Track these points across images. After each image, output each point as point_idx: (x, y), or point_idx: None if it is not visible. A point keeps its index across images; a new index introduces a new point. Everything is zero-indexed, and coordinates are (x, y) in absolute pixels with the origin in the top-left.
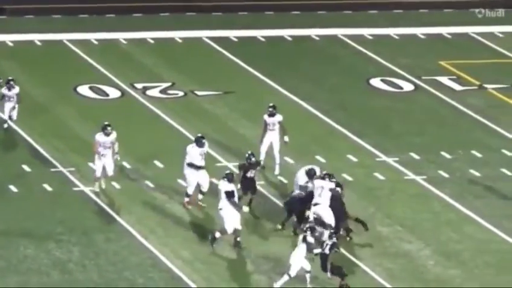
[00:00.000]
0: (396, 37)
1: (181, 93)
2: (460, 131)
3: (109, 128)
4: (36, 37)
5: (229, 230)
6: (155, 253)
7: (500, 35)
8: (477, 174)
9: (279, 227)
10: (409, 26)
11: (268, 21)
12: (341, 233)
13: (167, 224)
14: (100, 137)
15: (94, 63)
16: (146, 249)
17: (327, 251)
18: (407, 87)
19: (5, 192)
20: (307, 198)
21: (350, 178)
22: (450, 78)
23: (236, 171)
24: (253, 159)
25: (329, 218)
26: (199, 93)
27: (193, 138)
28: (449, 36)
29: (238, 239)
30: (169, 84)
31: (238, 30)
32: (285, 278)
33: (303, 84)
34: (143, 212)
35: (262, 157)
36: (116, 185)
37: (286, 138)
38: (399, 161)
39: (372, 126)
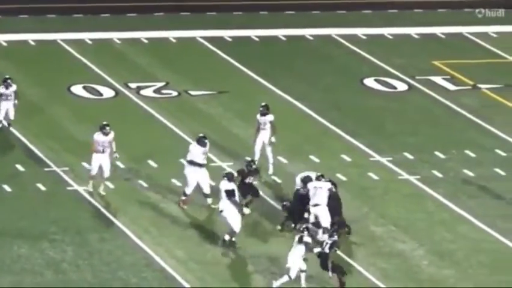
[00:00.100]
0: (390, 37)
1: (175, 93)
2: (453, 131)
3: (107, 128)
4: (30, 37)
5: (237, 229)
6: (149, 253)
7: (494, 35)
8: (471, 174)
9: (279, 227)
10: (403, 25)
11: (263, 21)
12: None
13: (161, 223)
14: (98, 136)
15: (88, 63)
16: (140, 249)
17: (326, 249)
18: (401, 87)
19: None
20: (306, 199)
21: (343, 178)
22: (444, 78)
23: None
24: (253, 166)
25: (326, 220)
26: (193, 93)
27: (187, 138)
28: (443, 36)
29: (227, 237)
30: (163, 83)
31: (232, 30)
32: (285, 278)
33: (297, 84)
34: (138, 212)
35: (256, 157)
36: (111, 185)
37: (273, 139)
38: (393, 161)
39: (366, 126)
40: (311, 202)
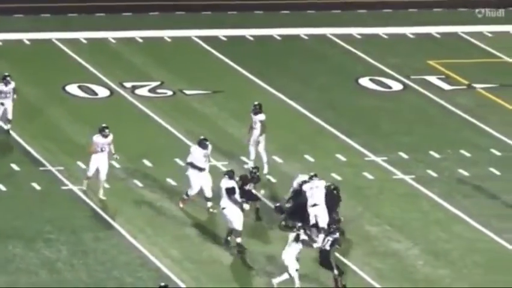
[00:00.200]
0: (385, 36)
1: (170, 93)
2: (448, 131)
3: (106, 130)
4: (25, 36)
5: (240, 227)
6: (144, 252)
7: (489, 35)
8: (466, 173)
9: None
10: (398, 25)
11: (257, 20)
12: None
13: (156, 223)
14: (97, 138)
15: (83, 62)
16: (135, 248)
17: (327, 247)
18: (396, 86)
19: None
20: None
21: (338, 177)
22: (439, 78)
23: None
24: (257, 174)
25: (324, 220)
26: (188, 92)
27: (182, 137)
28: (438, 35)
29: (239, 240)
30: (158, 83)
31: (227, 30)
32: (285, 276)
33: (292, 83)
34: (133, 211)
35: (252, 157)
36: (106, 185)
37: (260, 138)
38: (388, 161)
39: (361, 126)
40: (309, 203)
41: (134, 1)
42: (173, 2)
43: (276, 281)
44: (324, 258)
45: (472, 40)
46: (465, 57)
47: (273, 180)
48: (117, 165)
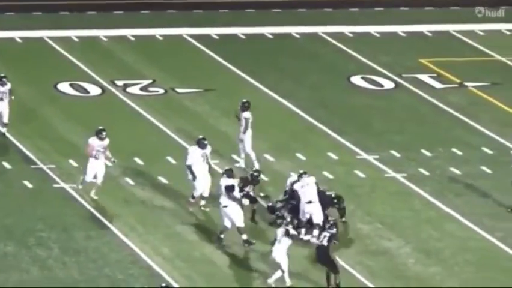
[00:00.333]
0: (377, 35)
1: (161, 91)
2: (440, 129)
3: (103, 133)
4: (17, 34)
5: (241, 224)
6: (135, 250)
7: (481, 33)
8: (457, 172)
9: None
10: (390, 23)
11: (249, 18)
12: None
13: (147, 221)
14: (93, 141)
15: (75, 61)
16: (126, 246)
17: (325, 242)
18: (388, 85)
19: None
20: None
21: (330, 176)
22: (430, 76)
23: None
24: (258, 176)
25: (319, 217)
26: (179, 90)
27: (173, 136)
28: (429, 34)
29: (245, 236)
30: (149, 81)
31: (219, 28)
32: (279, 273)
33: (284, 81)
34: (124, 209)
35: (242, 155)
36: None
37: (241, 135)
38: (380, 159)
39: (353, 124)
40: (303, 200)
41: None
42: (165, 0)
43: (271, 280)
44: (322, 254)
45: (464, 38)
46: (457, 55)
47: (265, 178)
48: (108, 163)
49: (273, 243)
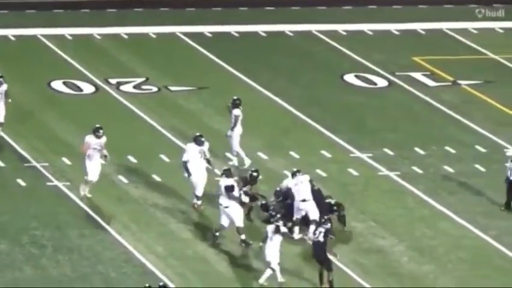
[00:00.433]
0: (370, 33)
1: (155, 89)
2: (433, 127)
3: (101, 131)
4: (10, 32)
5: (241, 224)
6: (129, 248)
7: (474, 31)
8: (451, 170)
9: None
10: (383, 21)
11: (242, 16)
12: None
13: (141, 219)
14: (90, 138)
15: (68, 59)
16: (120, 244)
17: (321, 238)
18: (381, 83)
19: None
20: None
21: (323, 174)
22: (424, 74)
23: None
24: (257, 176)
25: (315, 213)
26: (173, 88)
27: (167, 134)
28: (423, 32)
29: (243, 236)
30: (143, 79)
31: (212, 26)
32: (268, 272)
33: (277, 79)
34: (117, 208)
35: (234, 152)
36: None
37: (229, 132)
38: (373, 157)
39: (346, 122)
40: (298, 198)
41: None
42: None
43: (261, 280)
44: (319, 251)
45: (457, 37)
46: (450, 53)
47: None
48: (101, 161)
49: (264, 240)
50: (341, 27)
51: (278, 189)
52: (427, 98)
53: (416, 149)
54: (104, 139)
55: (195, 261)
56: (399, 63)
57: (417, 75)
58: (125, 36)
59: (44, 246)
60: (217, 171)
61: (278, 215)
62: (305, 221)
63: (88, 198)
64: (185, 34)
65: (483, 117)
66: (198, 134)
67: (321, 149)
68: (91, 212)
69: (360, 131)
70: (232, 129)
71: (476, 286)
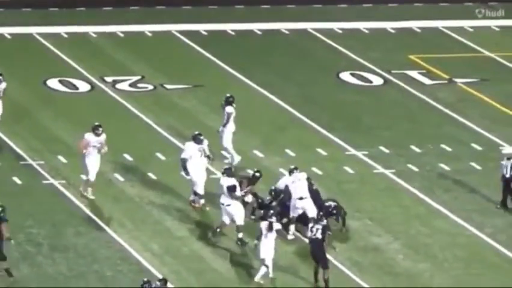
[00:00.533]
0: (366, 31)
1: (150, 87)
2: (429, 125)
3: (100, 129)
4: (6, 30)
5: (242, 222)
6: (124, 246)
7: (470, 29)
8: (446, 168)
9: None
10: (379, 20)
11: (238, 15)
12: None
13: (136, 217)
14: (89, 136)
15: (64, 57)
16: (115, 242)
17: (319, 235)
18: (377, 81)
19: None
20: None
21: (319, 172)
22: (420, 72)
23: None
24: (259, 176)
25: (313, 211)
26: (168, 86)
27: (162, 132)
28: (418, 30)
29: (241, 235)
30: (138, 77)
31: (208, 24)
32: (263, 270)
33: (273, 78)
34: (113, 206)
35: (231, 151)
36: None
37: (221, 128)
38: (369, 155)
39: (342, 120)
40: (295, 196)
41: None
42: None
43: (257, 278)
44: (316, 248)
45: (453, 35)
46: (446, 51)
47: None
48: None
49: (258, 238)
50: (336, 26)
51: (273, 188)
52: (423, 96)
53: (412, 147)
54: (103, 136)
55: (190, 259)
56: (395, 61)
57: (413, 73)
58: (121, 35)
59: (40, 244)
60: (212, 169)
61: (271, 211)
62: (302, 219)
63: (83, 197)
64: (181, 32)
65: (479, 115)
66: (196, 132)
67: (317, 147)
68: (86, 210)
69: (355, 129)
70: (224, 125)
71: (471, 284)
